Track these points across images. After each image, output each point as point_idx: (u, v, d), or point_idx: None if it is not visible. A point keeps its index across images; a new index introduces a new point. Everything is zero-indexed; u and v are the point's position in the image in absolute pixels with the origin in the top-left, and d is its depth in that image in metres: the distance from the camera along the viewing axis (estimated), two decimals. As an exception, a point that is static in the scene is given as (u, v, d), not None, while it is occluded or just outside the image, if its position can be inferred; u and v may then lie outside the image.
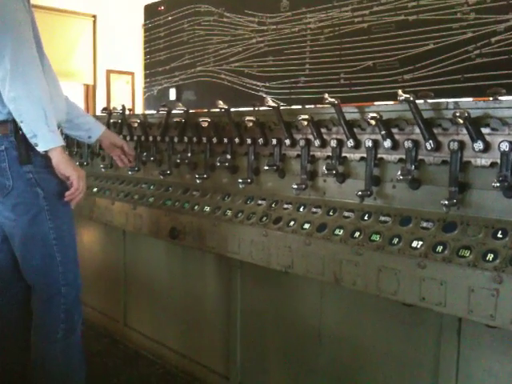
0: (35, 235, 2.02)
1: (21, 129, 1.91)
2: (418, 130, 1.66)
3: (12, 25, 1.84)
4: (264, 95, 3.19)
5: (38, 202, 1.99)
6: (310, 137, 1.99)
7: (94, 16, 7.50)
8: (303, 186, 2.01)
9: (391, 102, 1.80)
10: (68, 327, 2.09)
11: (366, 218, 1.79)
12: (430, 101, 1.69)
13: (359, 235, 1.74)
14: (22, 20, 1.88)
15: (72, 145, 3.26)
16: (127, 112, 2.93)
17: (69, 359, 2.12)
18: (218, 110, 2.29)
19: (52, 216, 2.02)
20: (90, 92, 7.62)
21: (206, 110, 2.53)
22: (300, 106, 2.79)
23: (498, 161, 1.50)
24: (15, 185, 1.96)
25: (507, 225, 1.48)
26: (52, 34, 6.75)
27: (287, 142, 2.06)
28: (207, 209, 2.32)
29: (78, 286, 2.13)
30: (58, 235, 2.04)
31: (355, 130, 1.87)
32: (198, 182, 2.41)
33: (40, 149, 1.91)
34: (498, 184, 1.46)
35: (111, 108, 3.01)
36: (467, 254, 1.48)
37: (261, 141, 2.17)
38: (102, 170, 3.03)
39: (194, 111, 2.57)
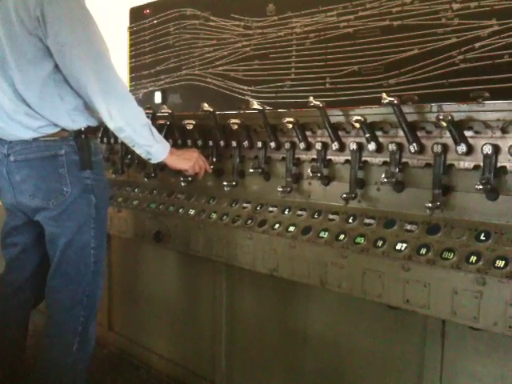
0: (78, 242, 1.98)
1: (84, 133, 1.90)
2: (401, 133, 1.67)
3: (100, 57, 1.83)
4: (250, 99, 3.19)
5: (88, 210, 1.97)
6: (295, 140, 2.00)
7: (80, 19, 7.46)
8: (288, 189, 2.01)
9: (376, 106, 1.80)
10: (83, 340, 2.05)
11: (350, 220, 1.80)
12: (413, 104, 1.70)
13: (344, 238, 1.75)
14: (105, 49, 1.86)
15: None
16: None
17: (77, 372, 2.08)
18: (203, 112, 2.28)
19: (96, 224, 2.00)
20: (75, 95, 7.56)
21: (191, 113, 2.51)
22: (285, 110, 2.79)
23: (481, 163, 1.51)
24: (73, 191, 1.92)
25: (490, 227, 1.49)
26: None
27: (272, 144, 2.06)
28: (192, 212, 2.31)
29: (97, 298, 2.09)
30: (96, 244, 2.02)
31: (340, 132, 1.87)
32: (182, 184, 2.40)
33: (153, 161, 1.99)
34: (481, 187, 1.47)
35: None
36: (451, 257, 1.49)
37: (246, 143, 2.17)
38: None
39: (179, 114, 2.56)
